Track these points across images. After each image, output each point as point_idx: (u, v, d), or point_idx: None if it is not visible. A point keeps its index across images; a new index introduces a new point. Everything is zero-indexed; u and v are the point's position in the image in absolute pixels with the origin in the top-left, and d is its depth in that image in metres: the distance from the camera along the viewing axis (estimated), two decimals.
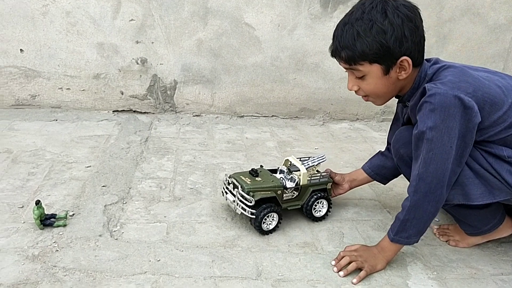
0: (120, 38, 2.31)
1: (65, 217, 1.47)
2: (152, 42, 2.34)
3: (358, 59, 1.21)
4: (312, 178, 1.53)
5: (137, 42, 2.33)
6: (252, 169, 1.52)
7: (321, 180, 1.55)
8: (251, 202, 1.41)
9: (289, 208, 1.52)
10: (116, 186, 1.72)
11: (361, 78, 1.26)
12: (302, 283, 1.28)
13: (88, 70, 2.36)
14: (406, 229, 1.28)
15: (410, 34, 1.19)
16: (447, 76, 1.21)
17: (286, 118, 2.58)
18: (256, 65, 2.45)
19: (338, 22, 1.27)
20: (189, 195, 1.71)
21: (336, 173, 1.64)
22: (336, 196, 1.65)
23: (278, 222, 1.48)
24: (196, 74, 2.44)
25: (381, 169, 1.61)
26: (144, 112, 2.48)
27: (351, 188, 1.66)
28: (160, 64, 2.39)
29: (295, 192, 1.51)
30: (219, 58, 2.42)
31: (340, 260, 1.34)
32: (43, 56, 2.30)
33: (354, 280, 1.29)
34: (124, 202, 1.62)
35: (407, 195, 1.28)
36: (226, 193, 1.52)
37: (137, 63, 2.37)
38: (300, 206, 1.54)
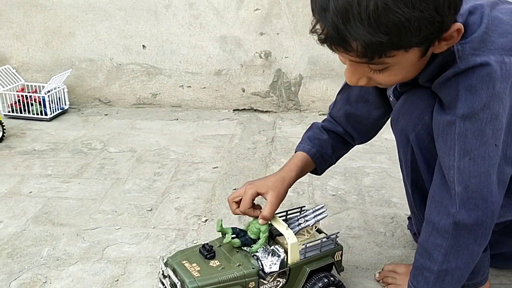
0: (244, 30, 2.13)
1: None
2: (278, 33, 2.13)
3: (389, 49, 0.67)
4: (307, 247, 0.92)
5: (261, 34, 2.13)
6: (203, 245, 0.90)
7: (322, 248, 0.95)
8: None
9: None
10: None
11: (381, 70, 0.73)
12: None
13: (210, 66, 2.21)
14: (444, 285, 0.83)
15: None
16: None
17: None
18: None
19: None
20: (332, 203, 1.44)
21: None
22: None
23: None
24: (324, 67, 2.18)
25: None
26: (266, 111, 2.27)
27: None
28: (285, 57, 2.17)
29: (280, 280, 0.90)
30: None
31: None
32: (165, 52, 2.19)
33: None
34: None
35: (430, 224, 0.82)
36: None
37: (260, 57, 2.18)
38: None
